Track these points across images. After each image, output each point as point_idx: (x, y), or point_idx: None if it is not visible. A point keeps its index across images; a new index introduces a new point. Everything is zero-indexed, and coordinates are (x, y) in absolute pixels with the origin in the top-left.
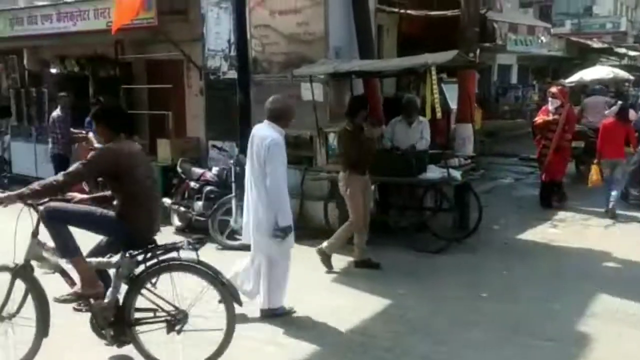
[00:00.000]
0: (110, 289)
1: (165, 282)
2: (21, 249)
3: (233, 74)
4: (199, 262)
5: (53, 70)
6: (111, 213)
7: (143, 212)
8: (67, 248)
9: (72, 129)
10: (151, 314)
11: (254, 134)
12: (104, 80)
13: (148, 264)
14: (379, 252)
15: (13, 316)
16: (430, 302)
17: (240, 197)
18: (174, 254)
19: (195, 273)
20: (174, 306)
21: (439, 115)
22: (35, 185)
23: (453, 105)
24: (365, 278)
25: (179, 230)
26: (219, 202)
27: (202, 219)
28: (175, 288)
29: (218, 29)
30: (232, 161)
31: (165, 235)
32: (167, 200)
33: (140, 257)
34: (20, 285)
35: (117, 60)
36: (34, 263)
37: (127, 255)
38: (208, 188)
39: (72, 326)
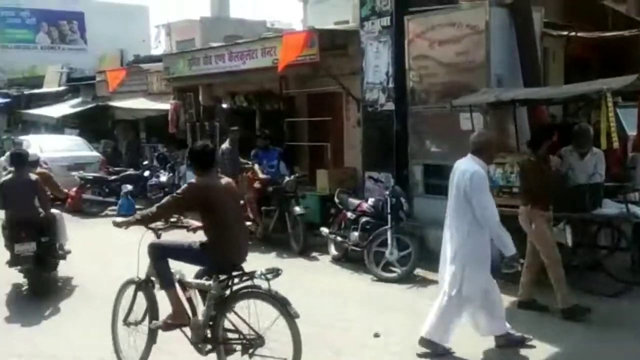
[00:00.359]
0: (204, 309)
1: (247, 307)
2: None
3: (390, 106)
4: (271, 292)
5: (224, 105)
6: (197, 244)
7: (225, 241)
8: (164, 280)
9: (240, 159)
10: (235, 335)
11: (455, 168)
12: (269, 113)
13: (234, 288)
14: (547, 291)
15: (138, 323)
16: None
17: (396, 229)
18: (254, 282)
19: (268, 302)
20: (254, 330)
21: (615, 145)
22: (137, 215)
23: (631, 131)
24: (534, 319)
25: (336, 260)
26: (374, 233)
27: (357, 249)
28: (255, 314)
29: (377, 62)
30: (387, 192)
31: (323, 263)
32: (324, 230)
33: (227, 282)
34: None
35: (282, 95)
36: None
37: (216, 279)
38: (364, 219)
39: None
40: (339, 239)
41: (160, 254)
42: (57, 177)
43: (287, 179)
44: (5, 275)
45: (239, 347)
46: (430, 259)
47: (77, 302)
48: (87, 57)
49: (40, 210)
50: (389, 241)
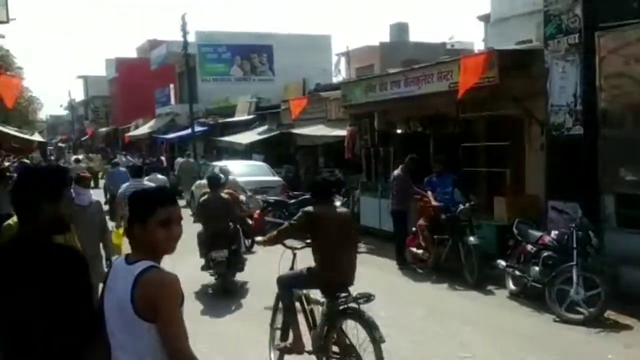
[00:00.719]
0: (319, 323)
1: (354, 327)
2: None
3: (578, 129)
4: (363, 315)
5: (398, 131)
6: (305, 270)
7: (326, 265)
8: (288, 311)
9: (413, 186)
10: (338, 350)
11: None
12: (444, 138)
13: (340, 308)
14: None
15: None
16: None
17: (583, 266)
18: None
19: (360, 324)
20: (354, 348)
21: None
22: (265, 236)
23: None
24: None
25: (513, 295)
26: (558, 270)
27: (538, 285)
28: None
29: (563, 83)
30: (574, 224)
31: (499, 298)
32: (501, 262)
33: (333, 302)
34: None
35: (457, 119)
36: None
37: (327, 299)
38: (546, 253)
39: None
40: (517, 273)
41: (285, 284)
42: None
43: (461, 206)
44: (196, 277)
45: None
46: (624, 300)
47: (253, 298)
48: (274, 87)
49: (230, 223)
50: (575, 279)
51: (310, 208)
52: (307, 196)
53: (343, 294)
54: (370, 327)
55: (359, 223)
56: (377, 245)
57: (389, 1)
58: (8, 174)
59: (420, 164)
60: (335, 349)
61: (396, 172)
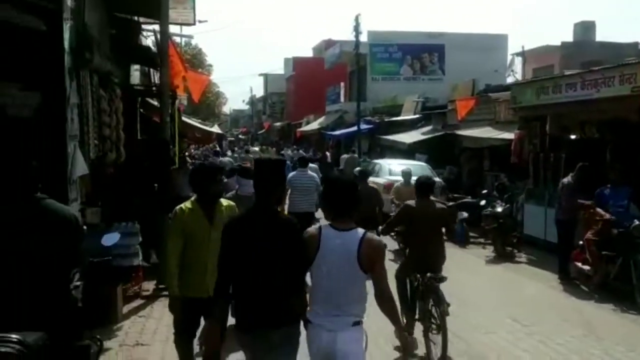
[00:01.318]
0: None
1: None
2: None
3: None
4: (436, 291)
5: (572, 136)
6: (404, 260)
7: (415, 250)
8: (404, 301)
9: (579, 199)
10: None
11: None
12: (622, 146)
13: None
14: None
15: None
16: None
17: None
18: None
19: (432, 298)
20: (436, 319)
21: None
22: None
23: None
24: None
25: None
26: None
27: None
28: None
29: None
30: None
31: None
32: None
33: (420, 281)
34: None
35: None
36: None
37: (423, 279)
38: None
39: None
40: None
41: (401, 277)
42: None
43: (636, 222)
44: None
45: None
46: None
47: None
48: (443, 87)
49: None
50: None
51: (411, 202)
52: (468, 199)
53: (429, 274)
54: (439, 301)
55: (522, 232)
56: (539, 256)
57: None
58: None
59: (593, 174)
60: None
61: (566, 179)
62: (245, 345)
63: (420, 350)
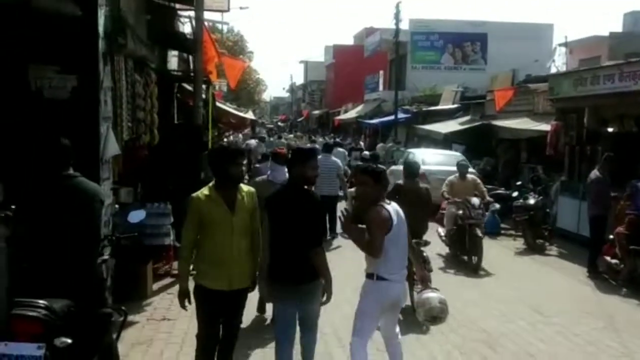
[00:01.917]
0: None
1: None
2: None
3: None
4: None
5: (610, 129)
6: None
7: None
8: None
9: (611, 192)
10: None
11: None
12: None
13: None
14: None
15: None
16: None
17: None
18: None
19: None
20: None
21: None
22: None
23: None
24: None
25: None
26: None
27: None
28: None
29: None
30: None
31: None
32: None
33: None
34: None
35: None
36: None
37: None
38: None
39: None
40: None
41: None
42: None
43: None
44: None
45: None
46: None
47: None
48: (485, 77)
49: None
50: None
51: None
52: (501, 191)
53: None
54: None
55: (555, 225)
56: (570, 250)
57: None
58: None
59: (620, 164)
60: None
61: (593, 174)
62: (277, 297)
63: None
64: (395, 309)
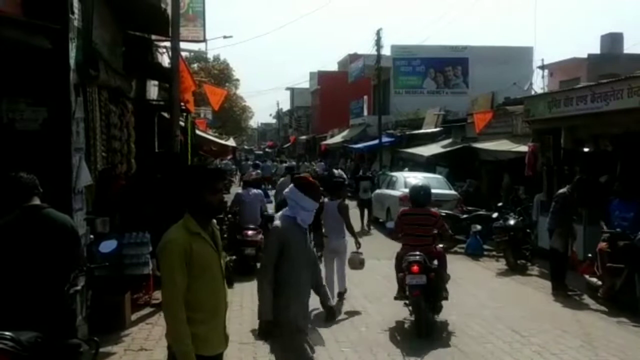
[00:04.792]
0: None
1: None
2: None
3: None
4: None
5: (586, 149)
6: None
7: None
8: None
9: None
10: None
11: None
12: (634, 159)
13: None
14: None
15: None
16: None
17: None
18: None
19: None
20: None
21: None
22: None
23: None
24: None
25: None
26: None
27: None
28: None
29: None
30: None
31: None
32: None
33: None
34: None
35: None
36: None
37: None
38: None
39: None
40: None
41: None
42: None
43: None
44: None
45: None
46: None
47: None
48: (466, 100)
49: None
50: None
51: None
52: (482, 212)
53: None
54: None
55: (536, 244)
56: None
57: (602, 11)
58: None
59: (592, 187)
60: None
61: (561, 190)
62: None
63: None
64: None
